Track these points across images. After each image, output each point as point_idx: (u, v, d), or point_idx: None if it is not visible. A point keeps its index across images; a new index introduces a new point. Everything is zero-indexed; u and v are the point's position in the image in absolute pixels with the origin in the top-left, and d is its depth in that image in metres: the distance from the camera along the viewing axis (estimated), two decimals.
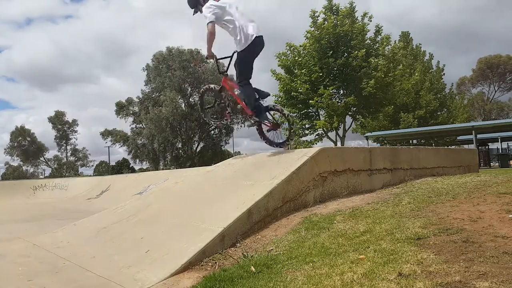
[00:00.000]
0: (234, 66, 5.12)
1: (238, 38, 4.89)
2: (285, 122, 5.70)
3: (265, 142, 5.41)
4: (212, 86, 5.60)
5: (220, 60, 5.40)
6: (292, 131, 5.68)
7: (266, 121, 5.32)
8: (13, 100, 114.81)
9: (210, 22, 4.81)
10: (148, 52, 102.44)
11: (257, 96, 5.24)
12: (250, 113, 5.26)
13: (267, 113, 5.30)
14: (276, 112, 5.49)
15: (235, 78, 5.30)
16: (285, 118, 5.61)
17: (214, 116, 5.57)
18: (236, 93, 5.50)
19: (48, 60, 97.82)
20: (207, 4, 4.93)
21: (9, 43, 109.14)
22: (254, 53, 5.06)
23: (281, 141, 5.45)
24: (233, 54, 5.07)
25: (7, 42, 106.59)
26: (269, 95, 5.57)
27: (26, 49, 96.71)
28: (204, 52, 5.56)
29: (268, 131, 5.47)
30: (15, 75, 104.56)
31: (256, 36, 4.90)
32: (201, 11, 5.03)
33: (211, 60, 5.27)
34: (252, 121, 5.42)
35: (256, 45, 4.97)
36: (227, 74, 5.38)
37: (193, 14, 5.17)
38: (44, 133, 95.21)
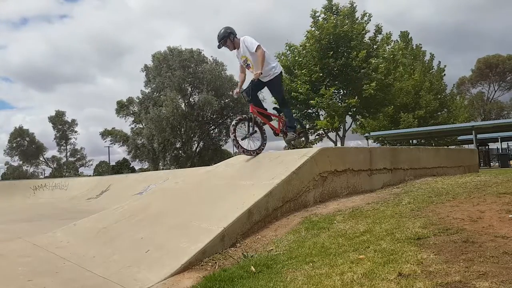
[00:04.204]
0: (272, 91, 5.78)
1: (274, 64, 5.59)
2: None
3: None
4: (243, 116, 5.72)
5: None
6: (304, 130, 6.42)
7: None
8: (9, 100, 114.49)
9: (259, 44, 5.33)
10: (144, 52, 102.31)
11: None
12: (282, 130, 5.89)
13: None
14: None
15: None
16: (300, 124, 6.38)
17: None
18: (279, 114, 5.98)
19: (43, 60, 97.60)
20: (247, 36, 5.47)
21: (4, 42, 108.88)
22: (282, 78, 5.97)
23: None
24: (253, 82, 5.53)
25: (2, 42, 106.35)
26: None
27: (21, 49, 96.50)
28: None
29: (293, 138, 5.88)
30: (11, 75, 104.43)
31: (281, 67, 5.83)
32: (225, 45, 5.53)
33: (255, 78, 5.47)
34: (293, 136, 5.76)
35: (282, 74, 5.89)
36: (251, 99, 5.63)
37: (219, 47, 5.58)
38: (43, 133, 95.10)
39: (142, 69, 44.13)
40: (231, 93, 6.63)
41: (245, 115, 5.58)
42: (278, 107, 5.99)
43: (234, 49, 5.60)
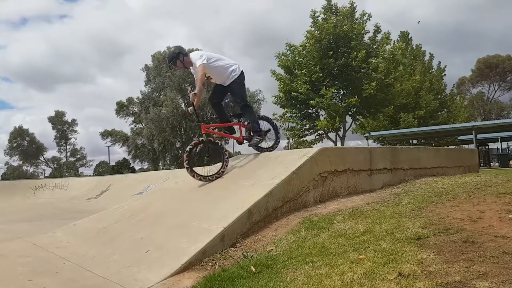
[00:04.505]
0: (232, 94, 5.45)
1: (234, 67, 5.36)
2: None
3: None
4: (197, 140, 5.27)
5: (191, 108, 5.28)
6: (278, 134, 5.93)
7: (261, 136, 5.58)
8: (9, 100, 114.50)
9: (202, 64, 5.07)
10: (144, 52, 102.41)
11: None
12: (244, 137, 5.56)
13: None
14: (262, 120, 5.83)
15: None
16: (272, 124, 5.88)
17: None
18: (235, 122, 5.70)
19: (43, 60, 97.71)
20: (195, 53, 5.27)
21: (4, 42, 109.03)
22: (244, 80, 5.55)
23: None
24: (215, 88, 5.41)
25: (2, 42, 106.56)
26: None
27: (21, 49, 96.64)
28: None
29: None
30: (11, 75, 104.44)
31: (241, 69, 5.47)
32: (176, 66, 5.35)
33: (192, 101, 5.20)
34: (257, 140, 5.46)
35: (244, 75, 5.51)
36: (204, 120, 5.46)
37: (169, 68, 5.37)
38: (42, 133, 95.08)
39: (142, 68, 44.22)
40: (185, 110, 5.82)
41: (199, 139, 5.21)
42: (237, 112, 5.74)
43: (186, 68, 5.42)
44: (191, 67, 5.34)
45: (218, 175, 5.10)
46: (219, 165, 5.20)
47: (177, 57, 5.24)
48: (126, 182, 12.31)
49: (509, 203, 3.48)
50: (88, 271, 3.48)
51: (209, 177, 5.06)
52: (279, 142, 5.90)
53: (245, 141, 5.56)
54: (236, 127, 5.61)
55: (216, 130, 5.66)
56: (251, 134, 5.55)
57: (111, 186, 12.49)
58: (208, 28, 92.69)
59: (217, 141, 5.28)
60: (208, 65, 5.16)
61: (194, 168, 5.06)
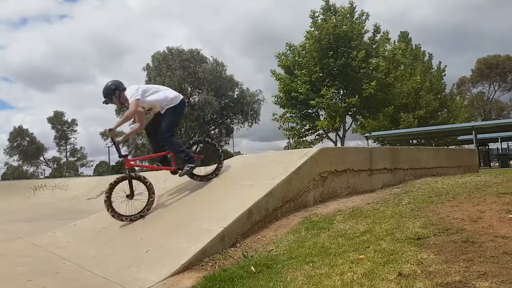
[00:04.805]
0: (160, 122, 4.98)
1: (171, 96, 5.00)
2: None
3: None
4: (119, 177, 4.87)
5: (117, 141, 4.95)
6: (221, 158, 5.35)
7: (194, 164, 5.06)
8: (9, 100, 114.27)
9: (135, 99, 4.71)
10: (144, 52, 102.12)
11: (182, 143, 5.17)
12: (177, 166, 5.06)
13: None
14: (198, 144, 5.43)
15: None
16: (213, 147, 5.45)
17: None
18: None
19: (43, 60, 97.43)
20: (131, 87, 4.89)
21: (4, 42, 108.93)
22: (182, 111, 5.26)
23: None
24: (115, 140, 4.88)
25: (2, 42, 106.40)
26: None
27: (21, 49, 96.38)
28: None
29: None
30: (10, 75, 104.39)
31: (182, 97, 5.15)
32: (111, 102, 4.93)
33: (110, 136, 4.89)
34: (188, 168, 4.93)
35: (184, 105, 5.20)
36: (127, 155, 4.96)
37: (104, 103, 4.96)
38: (42, 133, 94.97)
39: (144, 68, 44.23)
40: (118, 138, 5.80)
41: (121, 176, 4.83)
42: (196, 140, 5.44)
43: (122, 104, 5.01)
44: (127, 103, 4.90)
45: (139, 215, 4.62)
46: (143, 204, 4.72)
47: (113, 93, 4.86)
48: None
49: (509, 203, 3.48)
50: (88, 271, 3.49)
51: (129, 217, 4.59)
52: (221, 167, 5.30)
53: (178, 171, 5.01)
54: (170, 155, 5.13)
55: (146, 162, 5.24)
56: (181, 164, 5.07)
57: None
58: (208, 28, 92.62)
59: (143, 179, 4.83)
60: (143, 99, 4.81)
61: (115, 207, 4.60)
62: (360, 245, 2.89)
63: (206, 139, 5.52)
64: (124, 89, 4.90)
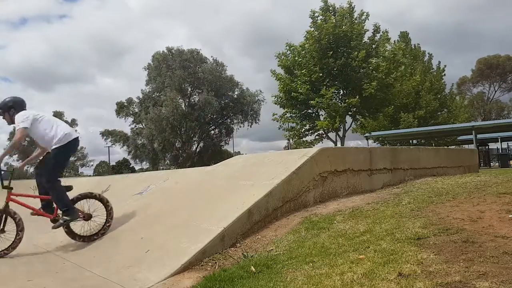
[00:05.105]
0: (46, 162, 4.69)
1: (63, 133, 4.53)
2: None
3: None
4: None
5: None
6: (110, 216, 4.73)
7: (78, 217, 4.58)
8: None
9: (23, 127, 4.33)
10: (144, 52, 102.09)
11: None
12: (54, 216, 4.62)
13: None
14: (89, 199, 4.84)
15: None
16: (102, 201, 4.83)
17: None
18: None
19: (43, 60, 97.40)
20: (22, 113, 4.48)
21: (4, 42, 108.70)
22: (72, 151, 4.80)
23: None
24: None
25: (2, 42, 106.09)
26: (72, 188, 4.89)
27: (21, 49, 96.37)
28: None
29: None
30: (10, 75, 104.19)
31: (75, 137, 4.66)
32: (3, 118, 4.61)
33: None
34: (62, 221, 4.44)
35: (76, 144, 4.73)
36: (12, 187, 4.62)
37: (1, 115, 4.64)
38: None
39: (144, 67, 44.26)
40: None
41: None
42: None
43: (12, 123, 4.57)
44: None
45: (4, 254, 4.22)
46: (7, 243, 4.29)
47: (7, 110, 4.54)
48: (126, 182, 12.28)
49: (509, 203, 3.48)
50: (88, 271, 3.49)
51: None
52: (109, 226, 4.70)
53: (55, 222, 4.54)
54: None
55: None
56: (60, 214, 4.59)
57: (111, 186, 12.47)
58: (208, 28, 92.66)
59: (15, 215, 4.44)
60: (31, 128, 4.41)
61: None
62: (360, 245, 2.89)
63: (94, 193, 4.92)
64: (22, 109, 4.54)
